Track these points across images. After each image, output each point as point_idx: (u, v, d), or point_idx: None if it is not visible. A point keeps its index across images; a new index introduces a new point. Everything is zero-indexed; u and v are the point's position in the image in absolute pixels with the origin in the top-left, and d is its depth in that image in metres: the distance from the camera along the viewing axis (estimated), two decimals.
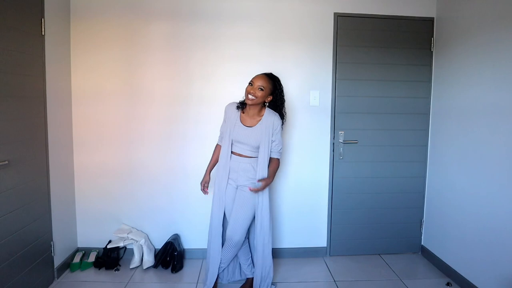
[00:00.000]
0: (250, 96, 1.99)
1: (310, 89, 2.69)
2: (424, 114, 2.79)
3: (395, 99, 2.75)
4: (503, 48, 2.02)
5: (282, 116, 2.11)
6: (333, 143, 2.75)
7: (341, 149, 2.75)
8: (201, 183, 2.26)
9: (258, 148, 2.06)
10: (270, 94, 2.05)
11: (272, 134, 2.04)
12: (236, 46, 2.61)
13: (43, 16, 2.17)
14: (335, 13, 2.65)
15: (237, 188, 2.13)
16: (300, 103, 2.70)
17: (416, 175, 2.84)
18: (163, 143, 2.66)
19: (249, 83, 2.03)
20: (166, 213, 2.72)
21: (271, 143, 2.06)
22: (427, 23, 2.73)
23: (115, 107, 2.61)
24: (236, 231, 2.06)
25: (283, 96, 2.11)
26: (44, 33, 2.18)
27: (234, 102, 2.17)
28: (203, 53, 2.61)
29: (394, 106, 2.76)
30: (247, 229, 2.12)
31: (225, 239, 2.14)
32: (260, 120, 2.06)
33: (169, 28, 2.58)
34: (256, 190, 2.00)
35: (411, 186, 2.84)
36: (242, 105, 2.13)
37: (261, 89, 1.98)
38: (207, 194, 2.26)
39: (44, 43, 2.18)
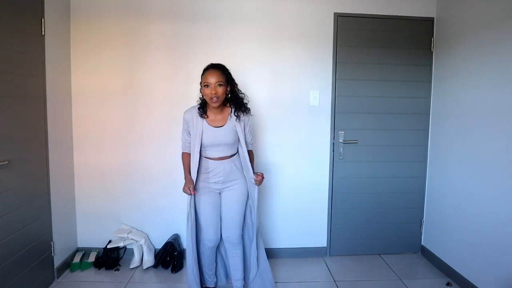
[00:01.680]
0: (214, 98, 1.85)
1: (310, 89, 2.69)
2: (424, 114, 2.79)
3: (395, 99, 2.75)
4: (503, 48, 2.02)
5: (245, 105, 1.99)
6: (333, 143, 2.75)
7: (341, 149, 2.75)
8: (187, 188, 1.97)
9: (234, 144, 2.00)
10: (227, 85, 1.92)
11: (244, 128, 2.01)
12: (236, 46, 2.61)
13: (43, 16, 2.17)
14: (335, 13, 2.65)
15: (220, 193, 2.05)
16: (300, 103, 2.70)
17: (416, 175, 2.83)
18: (163, 143, 2.66)
19: (205, 85, 1.86)
20: (166, 213, 2.72)
21: (249, 137, 2.05)
22: (427, 23, 2.73)
23: (115, 107, 2.61)
24: (232, 230, 2.04)
25: (234, 81, 1.98)
26: (44, 33, 2.18)
27: (191, 107, 2.01)
28: (203, 53, 2.60)
29: (394, 106, 2.76)
30: (242, 224, 2.09)
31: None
32: (228, 116, 1.98)
33: (169, 28, 2.58)
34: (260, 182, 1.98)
35: (411, 186, 2.84)
36: (203, 109, 1.97)
37: (221, 85, 1.86)
38: (194, 194, 2.01)
39: (44, 43, 2.18)
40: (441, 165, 2.65)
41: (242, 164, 2.05)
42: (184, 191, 2.00)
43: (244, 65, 2.62)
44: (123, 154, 2.65)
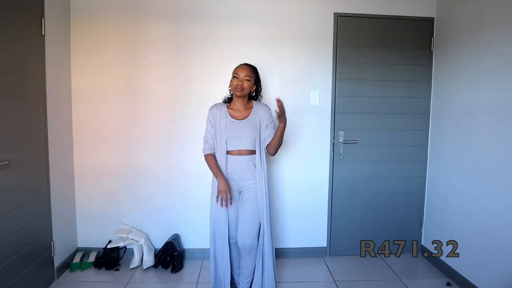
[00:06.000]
0: (238, 88, 1.98)
1: (310, 89, 2.69)
2: (424, 114, 2.79)
3: (395, 99, 2.75)
4: (503, 48, 2.02)
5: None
6: (333, 143, 2.75)
7: (341, 149, 2.75)
8: (222, 194, 1.98)
9: (253, 140, 2.03)
10: (254, 84, 2.07)
11: (266, 126, 2.06)
12: (236, 46, 2.61)
13: (43, 16, 2.17)
14: (335, 13, 2.65)
15: (240, 192, 2.07)
16: (300, 103, 2.70)
17: (416, 175, 2.83)
18: (163, 143, 2.66)
19: (234, 76, 2.01)
20: (166, 213, 2.72)
21: (269, 132, 2.07)
22: (427, 23, 2.73)
23: (115, 107, 2.61)
24: (246, 235, 1.99)
25: (260, 84, 2.15)
26: (44, 33, 2.18)
27: (216, 103, 2.14)
28: (203, 53, 2.61)
29: (394, 106, 2.76)
30: (258, 230, 2.04)
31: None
32: (250, 111, 2.07)
33: (169, 28, 2.58)
34: (281, 106, 1.82)
35: (411, 186, 2.84)
36: (229, 100, 2.14)
37: (248, 80, 2.00)
38: (232, 205, 2.02)
39: (44, 43, 2.18)
40: (441, 165, 2.65)
41: (256, 162, 2.05)
42: (220, 197, 1.99)
43: None
44: (123, 154, 2.65)
